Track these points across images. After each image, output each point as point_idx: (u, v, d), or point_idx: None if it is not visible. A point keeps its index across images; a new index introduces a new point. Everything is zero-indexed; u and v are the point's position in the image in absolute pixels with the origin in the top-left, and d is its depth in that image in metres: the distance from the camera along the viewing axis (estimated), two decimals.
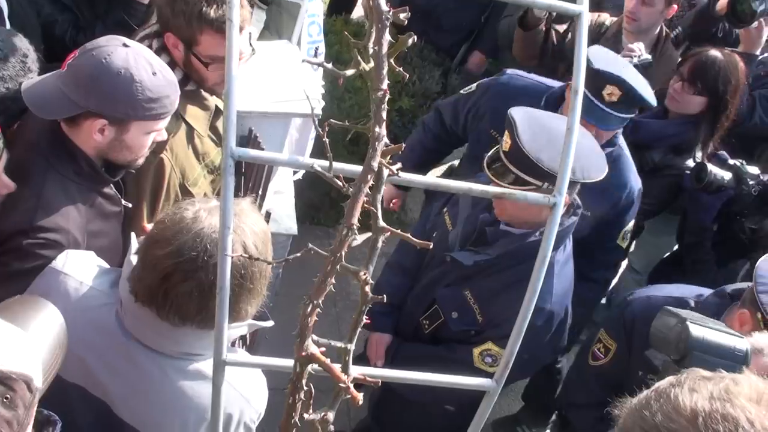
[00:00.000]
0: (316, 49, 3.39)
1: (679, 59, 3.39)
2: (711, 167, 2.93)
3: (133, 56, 1.92)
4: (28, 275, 1.82)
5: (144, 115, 1.95)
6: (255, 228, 1.66)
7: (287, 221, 3.20)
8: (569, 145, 1.08)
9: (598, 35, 3.55)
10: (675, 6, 3.41)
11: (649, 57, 3.20)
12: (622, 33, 3.49)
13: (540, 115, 2.40)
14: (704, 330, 1.70)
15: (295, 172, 3.37)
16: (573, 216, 2.45)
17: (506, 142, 2.30)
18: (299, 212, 3.42)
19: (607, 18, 3.63)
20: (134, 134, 1.99)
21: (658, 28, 3.48)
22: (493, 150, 2.40)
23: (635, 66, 3.07)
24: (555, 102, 2.87)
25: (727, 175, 2.96)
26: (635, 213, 3.01)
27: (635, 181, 2.96)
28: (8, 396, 1.18)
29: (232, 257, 1.54)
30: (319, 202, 4.62)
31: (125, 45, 1.94)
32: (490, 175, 2.33)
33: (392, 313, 2.83)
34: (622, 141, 2.95)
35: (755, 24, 3.28)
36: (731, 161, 3.00)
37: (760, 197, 2.97)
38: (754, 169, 3.00)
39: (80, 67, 1.92)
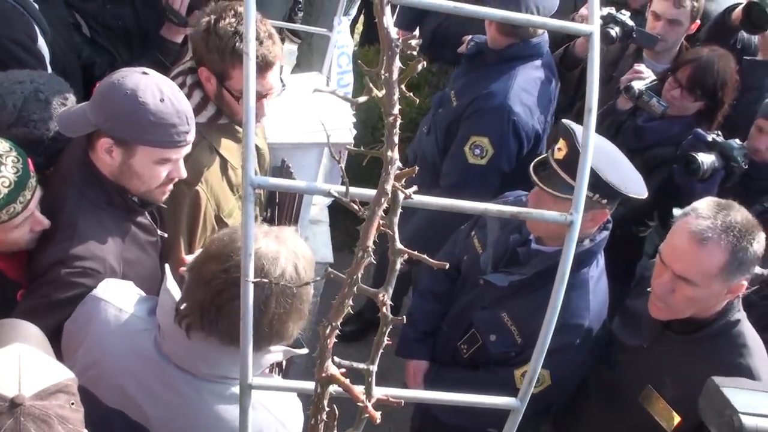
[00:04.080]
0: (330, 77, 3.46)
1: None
2: (699, 156, 2.85)
3: (144, 82, 1.96)
4: (68, 304, 1.88)
5: (146, 139, 1.97)
6: (304, 253, 1.71)
7: (323, 249, 3.25)
8: (585, 162, 1.08)
9: (621, 52, 3.54)
10: (698, 21, 3.39)
11: (655, 78, 3.20)
12: (643, 51, 3.48)
13: None
14: (757, 420, 1.64)
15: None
16: (604, 231, 2.44)
17: (560, 149, 2.30)
18: (336, 241, 3.45)
19: None
20: (141, 160, 2.00)
21: (680, 43, 3.46)
22: (540, 157, 2.42)
23: (641, 92, 3.11)
24: None
25: (714, 157, 2.88)
26: (490, 131, 3.08)
27: (503, 99, 3.07)
28: (73, 401, 1.32)
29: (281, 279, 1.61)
30: (357, 231, 4.65)
31: (144, 73, 1.99)
32: (536, 180, 2.33)
33: (426, 339, 2.83)
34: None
35: None
36: (709, 137, 2.92)
37: (745, 174, 2.90)
38: (737, 142, 2.92)
39: (99, 89, 2.00)
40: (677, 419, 2.26)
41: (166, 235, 2.27)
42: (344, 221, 4.42)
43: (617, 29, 3.28)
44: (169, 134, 1.98)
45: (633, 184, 2.31)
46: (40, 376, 1.29)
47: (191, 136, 2.06)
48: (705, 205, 2.15)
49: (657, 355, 2.33)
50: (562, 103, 3.51)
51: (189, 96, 2.21)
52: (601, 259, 2.51)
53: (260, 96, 2.31)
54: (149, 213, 2.19)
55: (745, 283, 2.14)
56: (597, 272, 2.49)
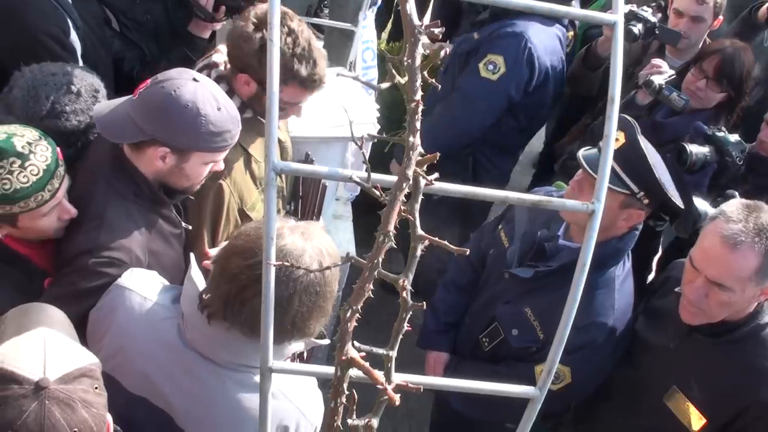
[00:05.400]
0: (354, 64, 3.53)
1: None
2: (690, 147, 2.82)
3: (201, 91, 2.00)
4: (95, 293, 1.91)
5: (205, 146, 2.03)
6: (330, 250, 1.73)
7: (346, 244, 3.26)
8: (607, 153, 1.07)
9: (643, 50, 3.51)
10: (721, 17, 3.35)
11: (673, 73, 3.18)
12: (665, 48, 3.44)
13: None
14: None
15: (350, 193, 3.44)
16: (634, 230, 2.42)
17: (617, 140, 2.30)
18: (360, 237, 3.46)
19: None
20: (194, 163, 2.07)
21: (702, 40, 3.42)
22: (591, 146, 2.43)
23: (661, 86, 3.08)
24: None
25: (707, 150, 2.85)
26: (506, 51, 3.22)
27: (523, 28, 3.22)
28: (97, 386, 1.34)
29: (309, 273, 1.63)
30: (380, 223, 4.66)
31: (195, 80, 2.03)
32: (583, 163, 2.31)
33: (448, 331, 2.83)
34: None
35: None
36: (710, 131, 2.89)
37: (747, 168, 2.88)
38: (735, 137, 2.87)
39: (150, 97, 2.01)
40: (703, 421, 2.23)
41: (190, 227, 2.29)
42: (368, 217, 4.42)
43: (639, 26, 3.26)
44: (225, 139, 2.06)
45: (673, 188, 2.31)
46: (65, 360, 1.31)
47: (239, 136, 2.13)
48: (734, 207, 2.13)
49: (683, 356, 2.31)
50: (583, 100, 3.50)
51: None
52: (627, 261, 2.50)
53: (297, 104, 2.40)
54: (174, 205, 2.22)
55: None
56: (623, 273, 2.47)
